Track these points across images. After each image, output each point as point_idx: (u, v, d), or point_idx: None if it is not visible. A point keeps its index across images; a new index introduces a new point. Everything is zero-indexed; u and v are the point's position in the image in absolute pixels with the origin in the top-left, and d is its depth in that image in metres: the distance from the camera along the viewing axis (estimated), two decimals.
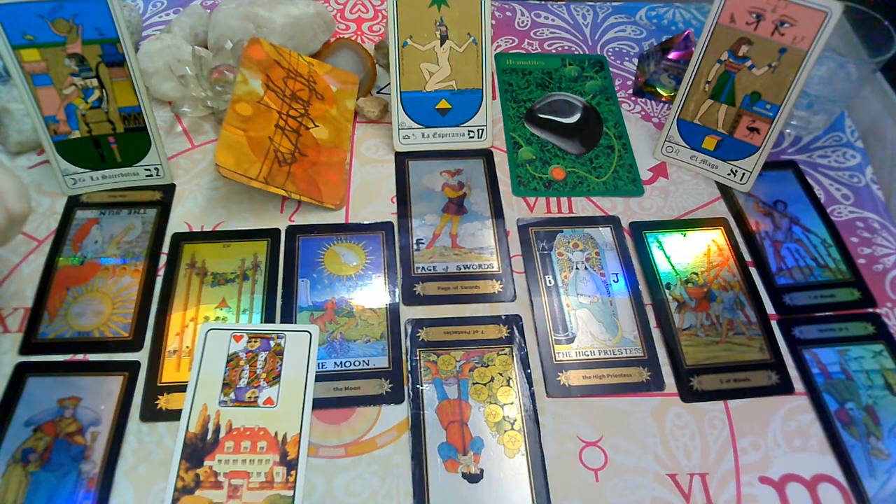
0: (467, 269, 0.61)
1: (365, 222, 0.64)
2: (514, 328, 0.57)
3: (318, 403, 0.52)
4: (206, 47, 0.76)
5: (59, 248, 0.60)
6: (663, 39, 0.81)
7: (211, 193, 0.65)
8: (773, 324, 0.59)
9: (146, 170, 0.65)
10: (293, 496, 0.48)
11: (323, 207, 0.65)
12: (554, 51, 0.82)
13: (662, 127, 0.71)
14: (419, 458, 0.50)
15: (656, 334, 0.58)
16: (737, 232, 0.65)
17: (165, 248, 0.61)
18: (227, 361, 0.53)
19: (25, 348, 0.54)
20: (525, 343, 0.56)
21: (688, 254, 0.63)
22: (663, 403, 0.54)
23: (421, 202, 0.66)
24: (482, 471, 0.50)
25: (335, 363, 0.55)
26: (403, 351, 0.56)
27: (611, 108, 0.76)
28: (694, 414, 0.54)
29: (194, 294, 0.58)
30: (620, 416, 0.53)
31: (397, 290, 0.59)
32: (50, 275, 0.59)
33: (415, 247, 0.62)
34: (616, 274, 0.61)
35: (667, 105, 0.77)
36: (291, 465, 0.49)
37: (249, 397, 0.52)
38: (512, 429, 0.52)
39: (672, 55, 0.75)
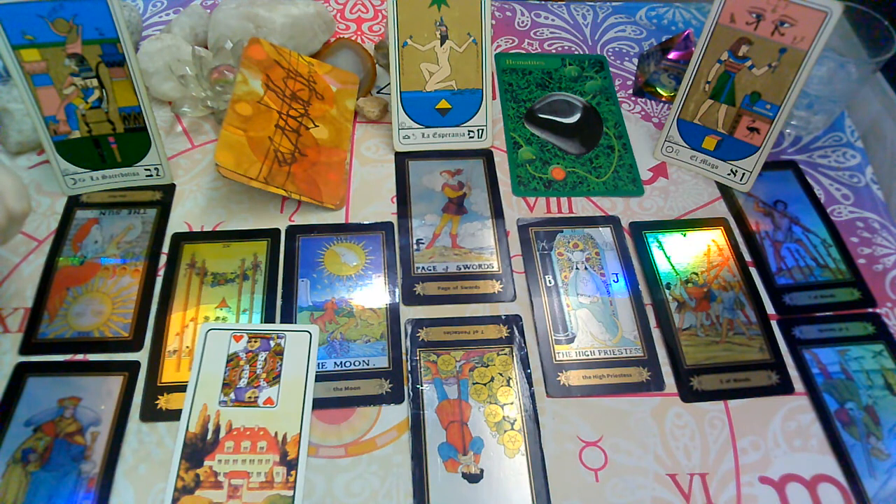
0: (467, 269, 0.61)
1: (365, 222, 0.64)
2: (514, 328, 0.57)
3: (318, 403, 0.52)
4: (206, 47, 0.76)
5: (59, 248, 0.60)
6: (663, 39, 0.81)
7: (211, 193, 0.65)
8: (773, 324, 0.59)
9: (146, 170, 0.65)
10: (293, 496, 0.47)
11: (323, 207, 0.65)
12: (554, 51, 0.82)
13: (662, 127, 0.71)
14: (419, 458, 0.50)
15: (656, 334, 0.58)
16: (737, 232, 0.65)
17: (165, 248, 0.61)
18: (227, 361, 0.53)
19: (25, 348, 0.54)
20: (525, 343, 0.56)
21: (688, 254, 0.63)
22: (663, 403, 0.54)
23: (421, 202, 0.66)
24: (482, 471, 0.50)
25: (335, 363, 0.55)
26: (403, 351, 0.56)
27: (611, 108, 0.76)
28: (694, 414, 0.54)
29: (194, 294, 0.58)
30: (620, 416, 0.53)
31: (397, 290, 0.59)
32: (50, 275, 0.59)
33: (415, 247, 0.62)
34: (616, 274, 0.61)
35: (667, 105, 0.77)
36: (291, 465, 0.49)
37: (249, 397, 0.52)
38: (512, 429, 0.51)
39: (672, 55, 0.75)
